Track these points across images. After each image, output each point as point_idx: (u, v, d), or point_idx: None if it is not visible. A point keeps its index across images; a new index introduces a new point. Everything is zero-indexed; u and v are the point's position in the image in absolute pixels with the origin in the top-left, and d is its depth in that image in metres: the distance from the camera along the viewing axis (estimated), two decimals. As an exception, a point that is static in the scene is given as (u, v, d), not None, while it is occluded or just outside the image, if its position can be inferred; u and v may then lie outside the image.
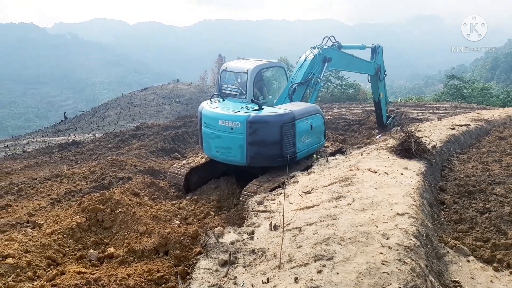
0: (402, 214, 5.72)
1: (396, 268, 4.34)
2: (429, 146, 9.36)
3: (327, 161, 9.64)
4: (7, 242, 5.99)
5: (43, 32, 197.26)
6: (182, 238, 5.97)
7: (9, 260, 5.49)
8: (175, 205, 8.99)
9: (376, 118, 17.02)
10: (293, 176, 8.73)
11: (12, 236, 6.41)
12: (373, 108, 17.43)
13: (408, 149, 8.94)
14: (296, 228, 5.62)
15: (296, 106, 10.14)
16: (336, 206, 6.16)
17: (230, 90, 10.90)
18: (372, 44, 15.03)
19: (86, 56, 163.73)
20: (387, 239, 4.98)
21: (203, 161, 10.79)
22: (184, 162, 11.03)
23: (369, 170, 7.85)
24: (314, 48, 12.34)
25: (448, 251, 5.57)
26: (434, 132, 11.21)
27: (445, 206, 7.19)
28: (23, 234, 6.68)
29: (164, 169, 12.11)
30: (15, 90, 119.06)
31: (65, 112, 34.14)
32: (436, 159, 9.21)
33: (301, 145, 9.80)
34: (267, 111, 9.56)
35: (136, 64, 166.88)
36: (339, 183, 7.31)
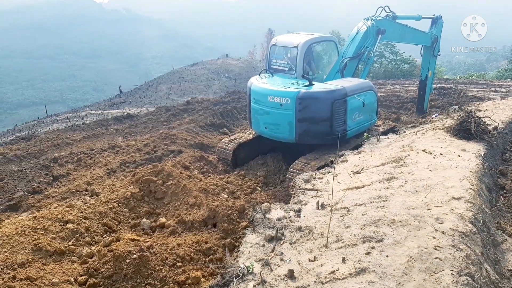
0: (458, 198, 5.46)
1: (450, 254, 4.17)
2: (490, 127, 8.81)
3: (378, 140, 9.34)
4: (67, 209, 6.40)
5: (99, 7, 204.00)
6: (229, 211, 6.09)
7: (70, 226, 5.88)
8: (223, 179, 9.15)
9: (418, 100, 15.77)
10: (342, 155, 8.56)
11: (72, 203, 6.85)
12: None
13: (467, 129, 8.45)
14: (344, 208, 5.54)
15: (348, 82, 9.83)
16: (387, 188, 5.98)
17: (279, 66, 10.74)
18: (434, 15, 14.14)
19: (139, 31, 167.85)
20: (441, 223, 4.78)
21: (250, 137, 10.84)
22: (232, 137, 11.15)
23: (423, 151, 7.52)
24: (368, 19, 11.69)
25: (506, 239, 5.27)
26: (496, 112, 10.51)
27: (505, 191, 6.79)
28: (82, 201, 7.12)
29: (213, 144, 12.32)
30: (74, 64, 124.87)
31: (120, 86, 35.39)
32: (497, 141, 8.67)
33: (352, 123, 9.54)
34: (318, 87, 9.34)
35: (187, 39, 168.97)
36: (391, 163, 7.07)
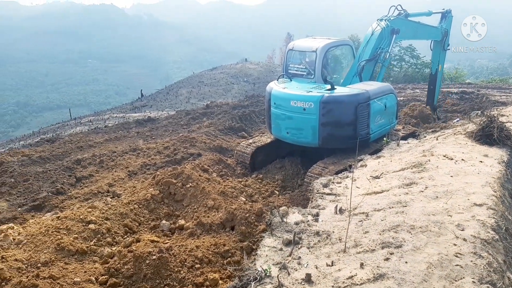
0: (480, 205, 5.36)
1: (471, 261, 4.10)
2: (514, 133, 8.59)
3: (398, 145, 9.24)
4: (90, 209, 6.55)
5: (122, 13, 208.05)
6: (247, 214, 6.12)
7: (92, 226, 6.01)
8: (241, 183, 9.20)
9: (427, 95, 15.88)
10: (361, 160, 8.49)
11: (94, 204, 7.00)
12: (450, 89, 16.27)
13: (490, 135, 8.28)
14: (363, 213, 5.50)
15: (370, 86, 9.78)
16: (407, 193, 5.92)
17: (297, 70, 10.72)
18: (443, 9, 14.24)
19: (161, 35, 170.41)
20: (462, 230, 4.70)
21: (268, 140, 10.86)
22: (250, 141, 11.20)
23: (444, 156, 7.41)
24: (381, 20, 11.65)
25: (530, 248, 5.14)
26: (520, 117, 10.25)
27: (530, 198, 6.60)
28: (104, 202, 7.26)
29: (232, 147, 12.38)
30: (98, 68, 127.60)
31: (141, 90, 35.91)
32: (521, 147, 8.44)
33: (374, 126, 9.48)
34: (340, 91, 9.29)
35: (207, 43, 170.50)
36: (411, 168, 6.99)
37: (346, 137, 9.08)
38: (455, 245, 4.40)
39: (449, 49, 14.85)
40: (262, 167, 10.52)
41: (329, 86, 9.30)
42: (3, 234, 5.63)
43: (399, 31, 11.43)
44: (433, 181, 6.28)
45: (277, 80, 10.62)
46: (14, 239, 5.58)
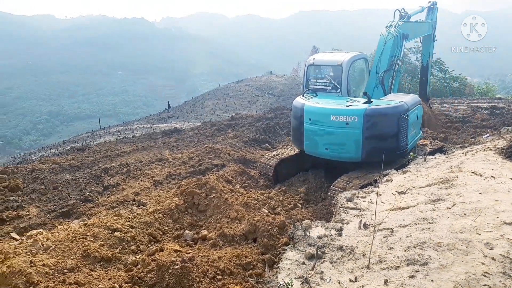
0: (510, 223, 5.18)
1: (500, 282, 3.95)
2: (548, 150, 8.30)
3: (425, 160, 9.06)
4: (116, 217, 6.68)
5: (151, 26, 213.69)
6: (270, 227, 6.10)
7: (117, 234, 6.12)
8: (264, 195, 9.18)
9: (420, 86, 16.41)
10: (387, 174, 8.36)
11: (120, 212, 7.14)
12: (480, 104, 16.17)
13: (522, 151, 8.03)
14: (388, 228, 5.41)
15: (403, 97, 9.80)
16: (434, 209, 5.78)
17: (319, 85, 10.65)
18: (429, 2, 14.82)
19: (188, 48, 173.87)
20: (491, 249, 4.55)
21: (292, 153, 10.84)
22: (274, 153, 11.20)
23: (473, 172, 7.21)
24: (390, 26, 11.64)
25: None
26: (555, 134, 9.89)
27: None
28: (129, 211, 7.40)
29: (255, 159, 12.41)
30: (127, 80, 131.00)
31: (168, 101, 36.69)
32: (556, 165, 8.11)
33: (409, 137, 9.44)
34: (379, 103, 9.22)
35: (233, 56, 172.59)
36: (438, 184, 6.83)
37: (388, 149, 8.80)
38: (483, 264, 4.26)
39: (436, 40, 15.53)
40: (285, 180, 10.50)
41: (365, 99, 9.21)
42: (32, 239, 5.82)
43: (407, 35, 11.66)
44: (461, 198, 6.12)
45: (303, 95, 10.49)
46: (42, 245, 5.75)
